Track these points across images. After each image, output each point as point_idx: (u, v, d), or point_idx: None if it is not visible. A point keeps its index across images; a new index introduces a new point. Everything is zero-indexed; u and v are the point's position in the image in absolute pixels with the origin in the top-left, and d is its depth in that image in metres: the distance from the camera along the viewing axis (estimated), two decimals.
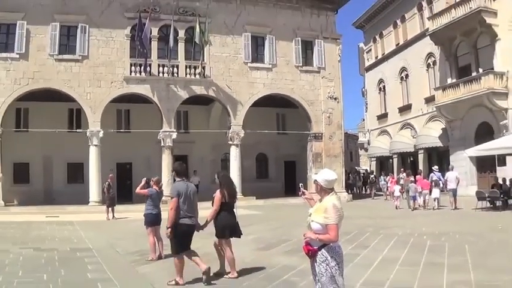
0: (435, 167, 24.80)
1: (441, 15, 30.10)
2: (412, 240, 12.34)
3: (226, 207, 8.56)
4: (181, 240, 7.93)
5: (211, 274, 8.15)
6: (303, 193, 5.42)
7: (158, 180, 11.75)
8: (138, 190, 11.31)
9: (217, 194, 8.54)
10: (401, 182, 26.42)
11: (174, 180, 8.91)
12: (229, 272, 8.49)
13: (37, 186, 29.51)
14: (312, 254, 4.77)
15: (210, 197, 26.44)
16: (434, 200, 21.90)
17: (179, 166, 8.65)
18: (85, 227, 17.54)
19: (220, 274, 8.55)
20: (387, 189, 29.69)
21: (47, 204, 27.00)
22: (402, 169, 32.21)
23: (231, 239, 8.63)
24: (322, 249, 4.70)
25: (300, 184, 6.32)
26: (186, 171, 9.06)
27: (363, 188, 40.02)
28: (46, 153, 29.71)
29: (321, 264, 4.71)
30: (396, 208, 22.67)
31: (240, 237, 8.76)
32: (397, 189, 24.15)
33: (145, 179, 11.70)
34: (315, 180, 4.89)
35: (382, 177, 33.52)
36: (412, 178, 23.67)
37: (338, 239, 4.70)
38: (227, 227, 8.49)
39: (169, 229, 7.84)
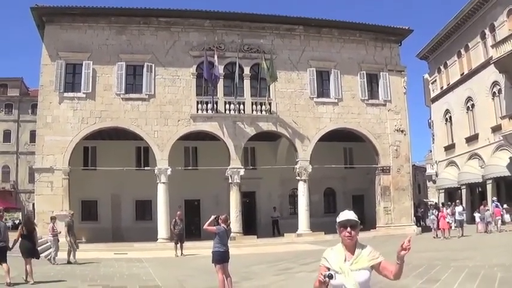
0: (494, 198, 28.63)
1: (504, 43, 29.58)
2: (483, 273, 12.04)
3: (26, 237, 12.83)
4: None
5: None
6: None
7: (226, 218, 11.85)
8: (206, 226, 11.37)
9: (20, 228, 13.19)
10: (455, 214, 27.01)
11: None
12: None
13: (105, 223, 29.77)
14: None
15: (286, 229, 26.28)
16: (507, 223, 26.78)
17: None
18: (154, 264, 17.71)
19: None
20: (437, 225, 26.25)
21: (115, 241, 27.18)
22: (457, 201, 30.51)
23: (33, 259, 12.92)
24: None
25: None
26: (3, 214, 13.25)
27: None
28: (114, 191, 30.06)
29: None
30: (476, 231, 26.58)
31: (37, 258, 13.28)
32: (487, 214, 26.64)
33: (214, 216, 11.65)
34: (345, 224, 3.92)
35: (431, 211, 29.82)
36: (487, 207, 27.17)
37: None
38: (25, 251, 12.72)
39: None
